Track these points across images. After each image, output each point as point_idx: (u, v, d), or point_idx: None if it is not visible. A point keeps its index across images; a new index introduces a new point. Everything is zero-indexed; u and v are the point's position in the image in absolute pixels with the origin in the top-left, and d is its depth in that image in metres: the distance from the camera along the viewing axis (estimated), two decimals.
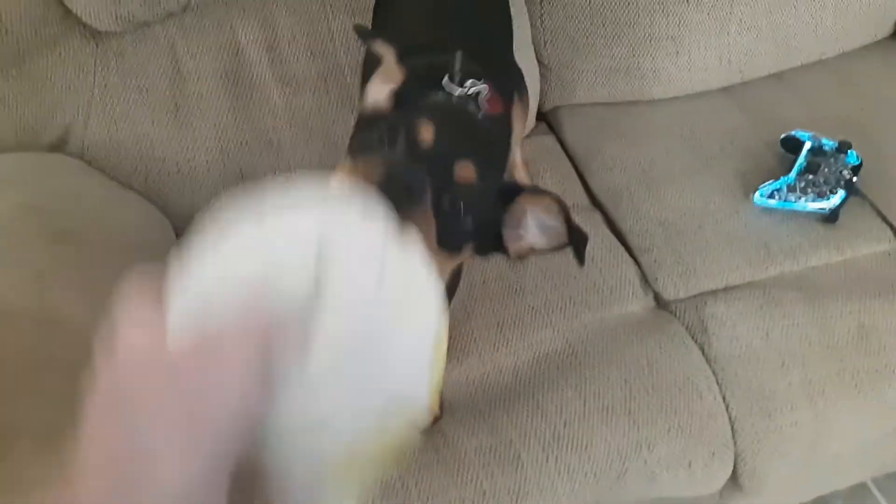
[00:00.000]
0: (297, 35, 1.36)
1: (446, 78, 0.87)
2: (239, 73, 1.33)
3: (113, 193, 1.27)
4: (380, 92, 0.81)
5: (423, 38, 1.05)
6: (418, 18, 1.13)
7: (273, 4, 1.36)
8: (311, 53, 1.35)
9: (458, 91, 0.87)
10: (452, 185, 0.71)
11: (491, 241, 0.80)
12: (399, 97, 0.80)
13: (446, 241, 0.71)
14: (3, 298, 0.97)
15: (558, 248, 0.80)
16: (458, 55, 0.90)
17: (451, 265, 0.78)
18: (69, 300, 1.01)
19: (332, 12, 1.37)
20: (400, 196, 0.60)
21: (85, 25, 1.27)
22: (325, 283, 0.44)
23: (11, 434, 0.86)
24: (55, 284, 1.02)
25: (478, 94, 0.88)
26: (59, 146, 1.28)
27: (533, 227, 0.80)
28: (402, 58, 0.87)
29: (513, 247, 0.81)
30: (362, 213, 0.47)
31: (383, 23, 1.19)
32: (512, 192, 0.80)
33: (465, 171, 0.72)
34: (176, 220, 1.32)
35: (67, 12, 1.25)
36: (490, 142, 0.88)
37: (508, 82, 1.13)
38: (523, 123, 1.37)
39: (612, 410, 1.10)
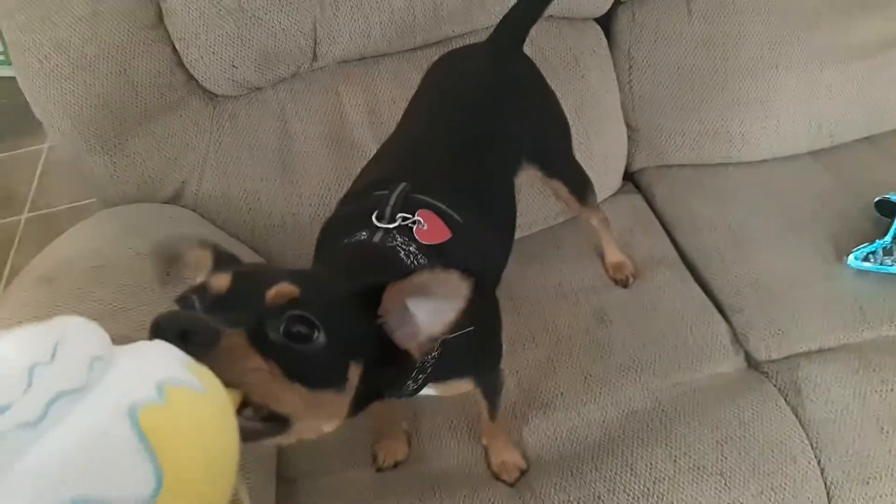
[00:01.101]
0: (397, 100, 1.43)
1: (374, 216, 0.87)
2: (342, 135, 1.41)
3: (221, 242, 1.35)
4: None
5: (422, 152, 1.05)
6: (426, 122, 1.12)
7: (375, 72, 1.45)
8: None
9: (382, 226, 0.85)
10: (269, 312, 0.61)
11: (385, 355, 0.70)
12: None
13: (302, 374, 0.61)
14: (125, 338, 1.04)
15: (459, 325, 0.68)
16: (399, 189, 0.89)
17: (339, 401, 0.67)
18: None
19: None
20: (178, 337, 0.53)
21: (204, 90, 1.38)
22: None
23: None
24: None
25: (410, 225, 0.86)
26: (175, 199, 1.38)
27: (420, 314, 0.69)
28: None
29: (412, 347, 0.70)
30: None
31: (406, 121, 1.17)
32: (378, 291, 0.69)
33: (280, 290, 0.62)
34: None
35: (190, 78, 1.36)
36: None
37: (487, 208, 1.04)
38: (598, 214, 1.39)
39: (702, 470, 1.09)
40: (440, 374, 0.85)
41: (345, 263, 0.84)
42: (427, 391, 0.88)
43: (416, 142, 1.09)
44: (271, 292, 0.62)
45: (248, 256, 1.36)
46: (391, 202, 0.88)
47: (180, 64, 1.34)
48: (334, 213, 1.02)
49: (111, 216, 1.32)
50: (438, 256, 0.86)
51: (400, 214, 0.87)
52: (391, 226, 0.86)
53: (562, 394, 1.21)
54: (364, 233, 0.86)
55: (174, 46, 1.33)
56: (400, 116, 1.40)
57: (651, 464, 1.10)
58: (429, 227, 0.87)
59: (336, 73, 1.43)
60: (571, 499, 1.08)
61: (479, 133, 1.07)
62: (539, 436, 1.17)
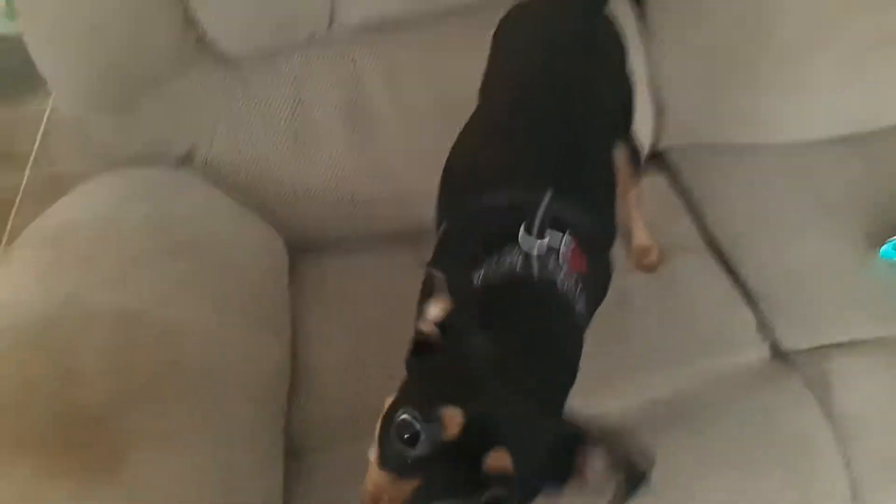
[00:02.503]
0: (415, 69, 1.38)
1: (522, 231, 0.81)
2: (357, 103, 1.35)
3: (231, 210, 1.31)
4: (434, 313, 0.73)
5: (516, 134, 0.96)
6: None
7: (394, 39, 1.38)
8: (428, 87, 1.37)
9: (535, 247, 0.80)
10: (484, 481, 0.62)
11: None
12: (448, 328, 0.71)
13: None
14: (130, 307, 1.00)
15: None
16: (545, 202, 0.82)
17: None
18: (190, 311, 1.04)
19: (448, 49, 1.38)
20: None
21: (217, 53, 1.32)
22: None
23: (131, 438, 0.89)
24: (177, 295, 1.06)
25: (558, 248, 0.81)
26: (184, 162, 1.33)
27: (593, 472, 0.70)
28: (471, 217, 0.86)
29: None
30: None
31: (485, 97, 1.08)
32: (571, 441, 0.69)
33: (496, 463, 0.63)
34: (289, 239, 1.35)
35: (203, 39, 1.31)
36: (559, 347, 0.80)
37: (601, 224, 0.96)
38: (637, 187, 1.33)
39: (724, 461, 1.05)
40: None
41: (508, 315, 0.78)
42: None
43: (523, 118, 0.98)
44: (489, 462, 0.62)
45: (255, 224, 1.31)
46: (539, 218, 0.81)
47: (194, 25, 1.28)
48: (472, 198, 0.92)
49: (118, 179, 1.27)
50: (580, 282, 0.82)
51: (549, 237, 0.81)
52: (542, 252, 0.81)
53: (578, 380, 1.16)
54: (510, 258, 0.80)
55: (187, 6, 1.27)
56: (419, 86, 1.35)
57: (672, 453, 1.05)
58: (573, 253, 0.83)
59: (353, 40, 1.37)
60: None
61: (585, 105, 0.98)
62: None
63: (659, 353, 1.18)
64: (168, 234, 1.13)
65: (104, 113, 1.27)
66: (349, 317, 1.27)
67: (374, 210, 1.36)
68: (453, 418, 0.62)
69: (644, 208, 1.35)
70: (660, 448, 1.05)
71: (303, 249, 1.38)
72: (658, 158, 1.53)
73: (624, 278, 1.28)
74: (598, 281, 0.90)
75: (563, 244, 0.82)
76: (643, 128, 1.47)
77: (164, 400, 0.92)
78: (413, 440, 0.63)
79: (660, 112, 1.48)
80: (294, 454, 1.10)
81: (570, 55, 1.02)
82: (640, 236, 1.33)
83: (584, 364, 1.16)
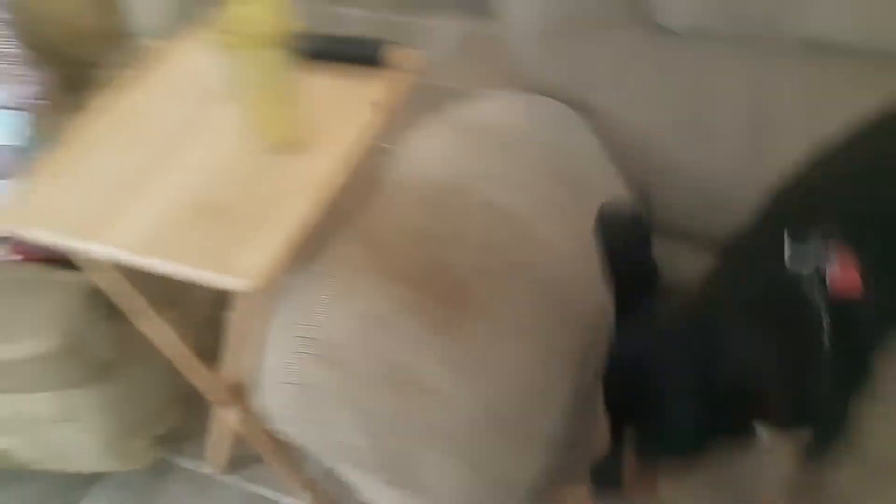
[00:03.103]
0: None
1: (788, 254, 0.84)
2: (767, 112, 1.33)
3: (602, 161, 1.39)
4: None
5: None
6: None
7: (819, 62, 1.34)
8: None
9: (804, 270, 0.82)
10: None
11: None
12: None
13: None
14: (513, 209, 1.16)
15: None
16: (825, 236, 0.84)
17: None
18: (556, 233, 1.16)
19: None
20: None
21: (650, 17, 1.38)
22: None
23: (481, 307, 1.02)
24: (551, 215, 1.18)
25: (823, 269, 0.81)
26: (578, 106, 1.41)
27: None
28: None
29: None
30: None
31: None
32: None
33: None
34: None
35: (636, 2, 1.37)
36: None
37: None
38: None
39: None
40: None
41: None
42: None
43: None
44: None
45: (615, 181, 1.37)
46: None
47: None
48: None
49: (531, 101, 1.39)
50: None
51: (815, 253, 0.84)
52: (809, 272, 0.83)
53: None
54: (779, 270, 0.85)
55: None
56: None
57: None
58: (841, 272, 0.82)
59: (779, 51, 1.34)
60: None
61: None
62: None
63: None
64: (559, 161, 1.25)
65: (542, 39, 1.39)
66: None
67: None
68: None
69: None
70: None
71: None
72: None
73: None
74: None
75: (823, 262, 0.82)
76: None
77: (515, 292, 1.05)
78: None
79: None
80: None
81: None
82: None
83: None
